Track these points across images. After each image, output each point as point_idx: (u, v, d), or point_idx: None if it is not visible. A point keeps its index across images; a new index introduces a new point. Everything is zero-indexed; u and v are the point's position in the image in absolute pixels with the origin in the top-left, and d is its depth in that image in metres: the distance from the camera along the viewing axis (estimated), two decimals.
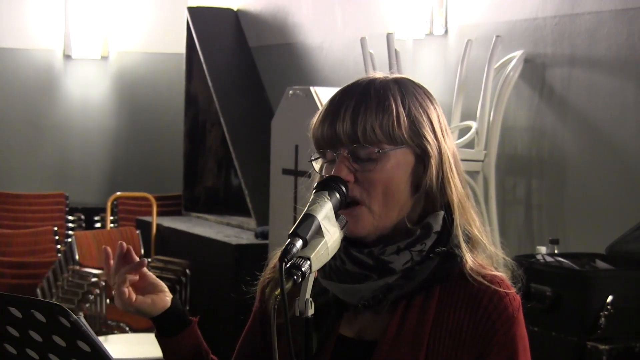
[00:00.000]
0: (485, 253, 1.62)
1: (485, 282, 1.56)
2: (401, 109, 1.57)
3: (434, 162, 1.58)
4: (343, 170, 1.55)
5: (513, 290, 1.58)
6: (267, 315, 1.66)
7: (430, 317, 1.56)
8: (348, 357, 1.60)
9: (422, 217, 1.60)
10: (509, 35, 4.86)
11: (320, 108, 1.63)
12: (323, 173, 1.60)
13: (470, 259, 1.57)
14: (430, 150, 1.58)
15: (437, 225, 1.58)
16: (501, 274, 1.60)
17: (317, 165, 1.63)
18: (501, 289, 1.56)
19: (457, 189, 1.59)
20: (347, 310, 1.61)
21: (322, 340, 1.59)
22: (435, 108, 1.62)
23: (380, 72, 1.65)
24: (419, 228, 1.57)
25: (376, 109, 1.56)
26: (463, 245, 1.57)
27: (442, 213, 1.58)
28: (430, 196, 1.59)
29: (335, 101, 1.60)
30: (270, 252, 1.71)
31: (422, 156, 1.58)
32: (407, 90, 1.60)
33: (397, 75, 1.64)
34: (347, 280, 1.56)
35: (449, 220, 1.58)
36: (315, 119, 1.62)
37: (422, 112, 1.59)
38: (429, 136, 1.58)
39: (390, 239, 1.56)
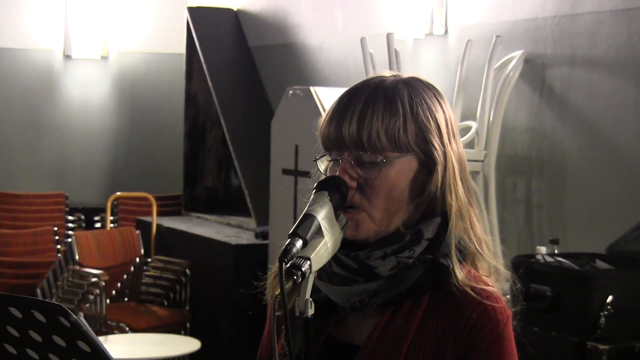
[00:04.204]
0: (486, 262, 1.57)
1: (472, 294, 1.51)
2: (409, 114, 1.53)
3: (439, 169, 1.54)
4: (346, 175, 1.52)
5: (502, 304, 1.52)
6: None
7: (415, 325, 1.52)
8: (333, 359, 1.58)
9: (419, 222, 1.56)
10: (509, 35, 4.86)
11: (329, 106, 1.59)
12: (328, 172, 1.58)
13: (459, 270, 1.52)
14: (437, 157, 1.54)
15: (429, 233, 1.54)
16: (494, 288, 1.54)
17: (322, 164, 1.59)
18: (487, 302, 1.50)
19: (458, 196, 1.55)
20: (337, 311, 1.59)
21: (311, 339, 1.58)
22: (444, 110, 1.59)
23: (390, 72, 1.61)
24: (409, 234, 1.54)
25: (383, 113, 1.52)
26: (454, 255, 1.52)
27: (437, 220, 1.55)
28: (432, 202, 1.55)
29: (343, 101, 1.56)
30: (271, 253, 1.71)
31: (426, 162, 1.55)
32: (417, 93, 1.57)
33: (407, 75, 1.60)
34: (336, 282, 1.55)
35: (443, 228, 1.54)
36: (323, 117, 1.59)
37: (430, 117, 1.55)
38: (436, 142, 1.55)
39: (381, 244, 1.53)
